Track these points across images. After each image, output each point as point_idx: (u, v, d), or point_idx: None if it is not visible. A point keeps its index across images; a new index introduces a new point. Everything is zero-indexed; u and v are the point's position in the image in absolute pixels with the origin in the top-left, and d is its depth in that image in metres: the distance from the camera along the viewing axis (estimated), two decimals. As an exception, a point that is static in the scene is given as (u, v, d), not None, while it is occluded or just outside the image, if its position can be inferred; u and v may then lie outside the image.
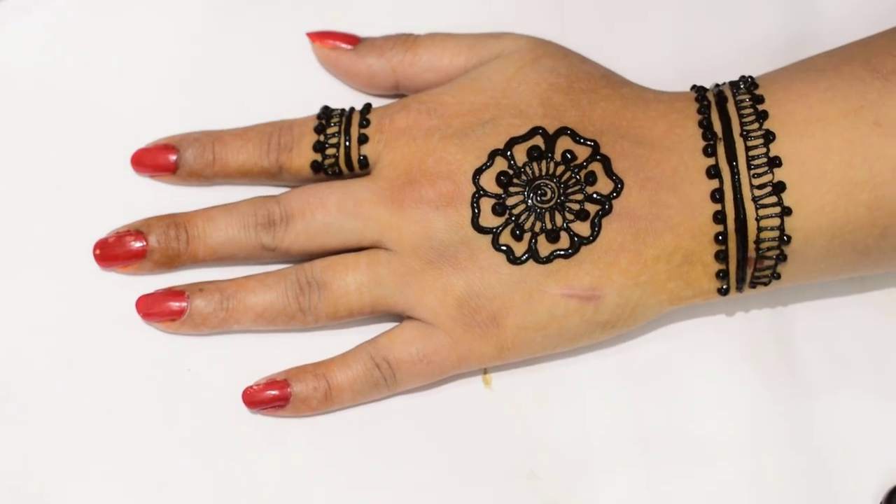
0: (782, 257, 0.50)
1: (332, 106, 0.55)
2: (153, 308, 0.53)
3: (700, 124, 0.51)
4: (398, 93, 0.56)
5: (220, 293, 0.53)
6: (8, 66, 0.52)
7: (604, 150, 0.51)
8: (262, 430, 0.53)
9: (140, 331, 0.54)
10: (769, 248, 0.50)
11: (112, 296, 0.54)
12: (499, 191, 0.50)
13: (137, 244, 0.53)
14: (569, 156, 0.51)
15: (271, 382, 0.52)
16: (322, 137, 0.54)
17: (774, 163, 0.49)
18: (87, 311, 0.54)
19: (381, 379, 0.52)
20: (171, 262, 0.54)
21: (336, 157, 0.53)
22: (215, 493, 0.52)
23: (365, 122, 0.53)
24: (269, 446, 0.53)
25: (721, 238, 0.50)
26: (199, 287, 0.53)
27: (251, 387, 0.53)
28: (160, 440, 0.53)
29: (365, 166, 0.53)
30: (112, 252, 0.54)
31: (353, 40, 0.56)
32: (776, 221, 0.49)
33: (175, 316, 0.53)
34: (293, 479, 0.52)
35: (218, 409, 0.53)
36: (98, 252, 0.54)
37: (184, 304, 0.53)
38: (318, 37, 0.57)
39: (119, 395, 0.53)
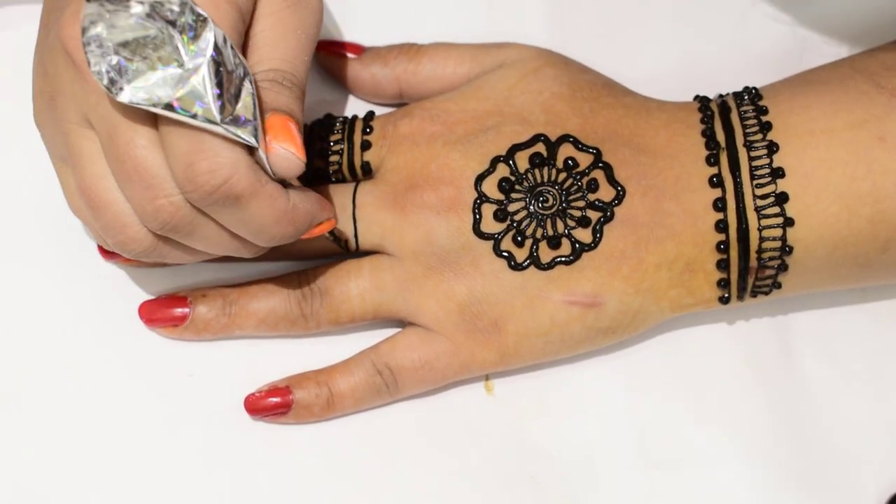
0: (784, 267, 0.50)
1: (336, 115, 0.55)
2: (156, 314, 0.53)
3: (703, 134, 0.51)
4: (402, 101, 0.56)
5: (223, 299, 0.53)
6: (10, 69, 0.53)
7: (606, 158, 0.51)
8: (264, 437, 0.53)
9: (142, 336, 0.54)
10: (771, 258, 0.50)
11: (115, 301, 0.54)
12: (500, 197, 0.50)
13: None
14: (571, 163, 0.51)
15: (273, 389, 0.52)
16: (325, 144, 0.54)
17: (777, 173, 0.49)
18: (89, 315, 0.54)
19: (383, 385, 0.52)
20: None
21: (339, 163, 0.53)
22: (216, 499, 0.52)
23: (368, 129, 0.53)
24: (270, 453, 0.53)
25: (723, 247, 0.50)
26: (202, 293, 0.53)
27: (253, 394, 0.53)
28: (161, 446, 0.53)
29: (368, 172, 0.53)
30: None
31: (358, 49, 0.57)
32: (778, 232, 0.49)
33: (178, 322, 0.53)
34: (294, 485, 0.52)
35: (219, 415, 0.53)
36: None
37: (186, 310, 0.53)
38: (323, 46, 0.57)
39: (121, 400, 0.53)
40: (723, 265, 0.50)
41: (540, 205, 0.50)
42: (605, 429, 0.53)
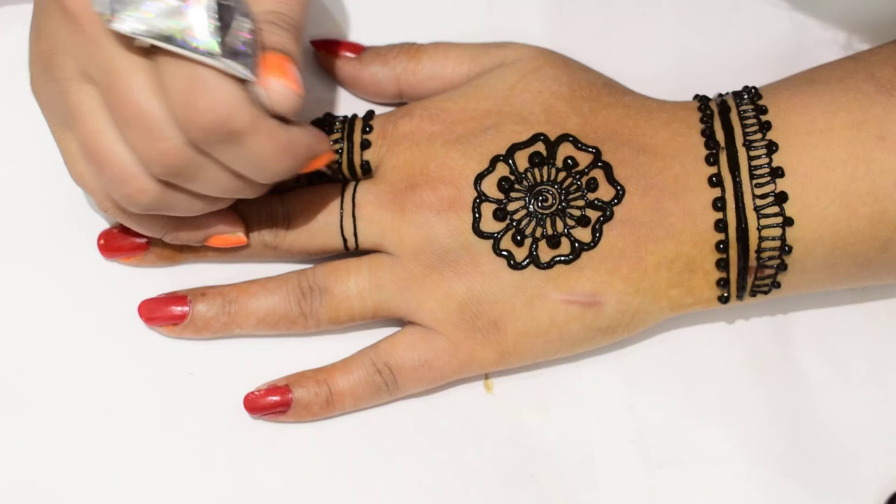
0: (783, 267, 0.50)
1: (335, 114, 0.55)
2: (155, 313, 0.53)
3: (702, 133, 0.51)
4: (401, 101, 0.56)
5: (223, 298, 0.53)
6: (10, 69, 0.53)
7: (605, 158, 0.51)
8: (264, 436, 0.53)
9: (142, 334, 0.54)
10: (770, 258, 0.50)
11: (114, 300, 0.54)
12: (500, 196, 0.50)
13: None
14: (570, 162, 0.51)
15: (272, 388, 0.52)
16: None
17: (777, 173, 0.49)
18: (89, 314, 0.54)
19: (383, 384, 0.52)
20: None
21: (339, 162, 0.53)
22: (215, 497, 0.52)
23: (368, 128, 0.53)
24: (270, 452, 0.53)
25: (722, 246, 0.50)
26: (202, 292, 0.53)
27: (252, 392, 0.53)
28: (161, 444, 0.53)
29: (367, 171, 0.53)
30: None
31: (357, 49, 0.57)
32: (777, 231, 0.49)
33: (177, 320, 0.53)
34: (294, 483, 0.52)
35: (219, 414, 0.53)
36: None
37: (186, 308, 0.53)
38: (322, 45, 0.57)
39: (121, 398, 0.53)
40: (722, 265, 0.50)
41: (539, 204, 0.51)
42: (604, 428, 0.53)
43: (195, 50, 0.42)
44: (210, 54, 0.42)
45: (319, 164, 0.49)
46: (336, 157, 0.49)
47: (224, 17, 0.42)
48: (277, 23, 0.46)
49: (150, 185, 0.46)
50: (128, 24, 0.41)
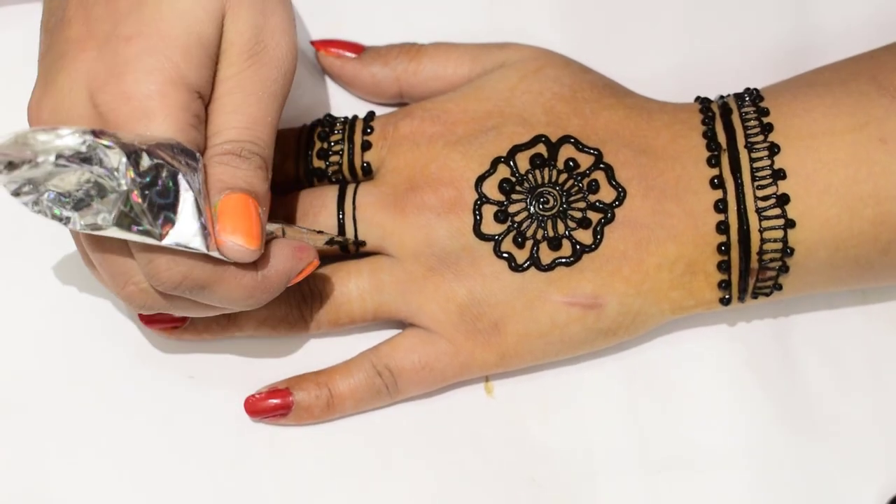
0: (784, 269, 0.50)
1: (336, 114, 0.55)
2: (155, 315, 0.53)
3: (704, 135, 0.51)
4: (402, 101, 0.56)
5: (222, 300, 0.53)
6: (9, 69, 0.53)
7: (607, 159, 0.51)
8: (264, 439, 0.53)
9: (142, 338, 0.54)
10: (772, 260, 0.50)
11: (114, 302, 0.54)
12: (501, 198, 0.50)
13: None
14: (571, 164, 0.51)
15: (273, 391, 0.52)
16: (326, 145, 0.54)
17: (779, 175, 0.49)
18: (88, 317, 0.54)
19: (383, 387, 0.52)
20: None
21: (339, 164, 0.53)
22: (216, 500, 0.52)
23: (368, 129, 0.53)
24: (270, 454, 0.53)
25: (724, 248, 0.50)
26: (201, 294, 0.53)
27: (253, 395, 0.52)
28: (161, 448, 0.53)
29: (368, 173, 0.53)
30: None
31: (358, 49, 0.57)
32: (779, 233, 0.49)
33: (177, 323, 0.53)
34: (294, 486, 0.52)
35: (220, 416, 0.53)
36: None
37: (186, 311, 0.53)
38: (323, 45, 0.57)
39: (121, 401, 0.53)
40: (724, 267, 0.50)
41: (541, 206, 0.50)
42: (604, 430, 0.53)
43: (145, 232, 0.42)
44: (153, 238, 0.42)
45: (303, 277, 0.48)
46: (318, 263, 0.49)
47: (156, 198, 0.42)
48: (238, 153, 0.45)
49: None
50: (74, 222, 0.42)
